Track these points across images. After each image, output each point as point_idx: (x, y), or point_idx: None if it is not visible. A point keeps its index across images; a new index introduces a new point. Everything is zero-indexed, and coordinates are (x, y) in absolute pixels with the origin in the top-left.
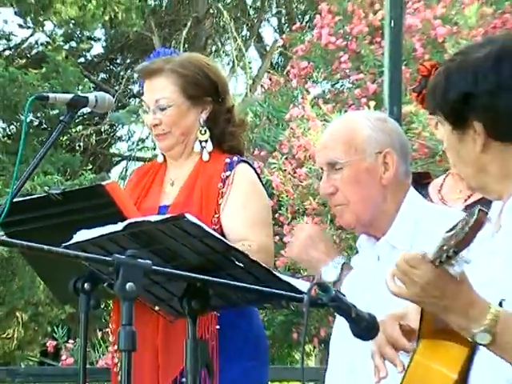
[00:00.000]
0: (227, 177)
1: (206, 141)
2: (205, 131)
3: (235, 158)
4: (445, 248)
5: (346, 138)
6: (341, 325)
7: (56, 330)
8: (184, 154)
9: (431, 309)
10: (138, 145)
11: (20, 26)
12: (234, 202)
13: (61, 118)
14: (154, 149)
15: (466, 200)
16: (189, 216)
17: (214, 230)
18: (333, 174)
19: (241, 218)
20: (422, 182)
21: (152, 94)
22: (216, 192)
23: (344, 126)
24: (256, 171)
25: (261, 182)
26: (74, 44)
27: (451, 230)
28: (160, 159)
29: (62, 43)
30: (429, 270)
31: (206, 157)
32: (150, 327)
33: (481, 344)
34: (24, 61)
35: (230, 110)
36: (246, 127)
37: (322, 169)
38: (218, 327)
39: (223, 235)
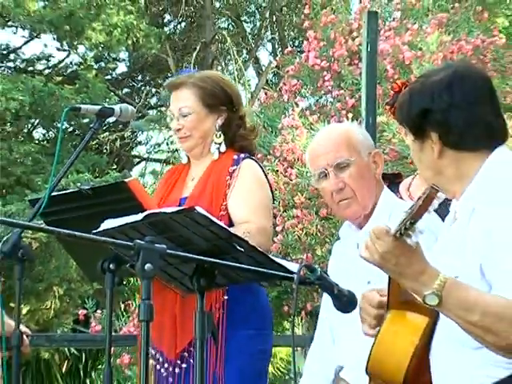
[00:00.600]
0: (233, 170)
1: (221, 143)
2: (220, 135)
3: (242, 155)
4: (403, 221)
5: (345, 141)
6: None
7: (86, 301)
8: (203, 154)
9: (391, 274)
10: (154, 148)
11: (58, 49)
12: (238, 191)
13: (91, 126)
14: (168, 152)
15: None
16: (198, 208)
17: (222, 215)
18: (340, 173)
19: (244, 203)
20: (395, 181)
21: (176, 103)
22: (224, 184)
23: (340, 133)
24: (261, 167)
25: (265, 175)
26: (102, 64)
27: (410, 207)
28: (184, 160)
29: (92, 63)
30: (389, 241)
31: (216, 156)
32: (170, 299)
33: (430, 305)
34: (60, 78)
35: (241, 118)
36: (256, 132)
37: (326, 170)
38: (226, 297)
39: (230, 219)
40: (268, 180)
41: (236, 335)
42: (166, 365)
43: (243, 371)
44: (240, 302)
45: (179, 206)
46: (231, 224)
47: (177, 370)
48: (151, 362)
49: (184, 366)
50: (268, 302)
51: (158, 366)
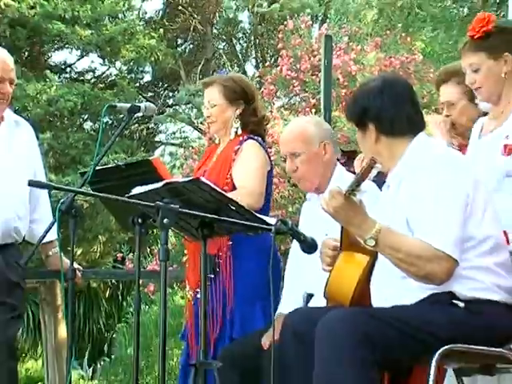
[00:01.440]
0: (238, 149)
1: (238, 127)
2: (237, 121)
3: (245, 137)
4: (351, 184)
5: (300, 136)
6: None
7: (122, 246)
8: (226, 135)
9: (342, 223)
10: (171, 135)
11: (101, 64)
12: (239, 163)
13: (123, 119)
14: (180, 138)
15: None
16: (202, 178)
17: (227, 182)
18: (294, 159)
19: (241, 172)
20: (352, 156)
21: (207, 97)
22: (230, 158)
23: (298, 129)
24: (262, 146)
25: (265, 152)
26: (132, 75)
27: (356, 174)
28: (217, 141)
29: (125, 74)
30: (339, 199)
31: (232, 136)
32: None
33: (369, 246)
34: (103, 85)
35: (255, 109)
36: (266, 120)
37: (285, 155)
38: (230, 242)
39: (234, 185)
40: (267, 155)
41: (244, 265)
42: (190, 291)
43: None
44: (243, 245)
45: (203, 175)
46: (235, 188)
47: (198, 295)
48: (188, 294)
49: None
50: (271, 243)
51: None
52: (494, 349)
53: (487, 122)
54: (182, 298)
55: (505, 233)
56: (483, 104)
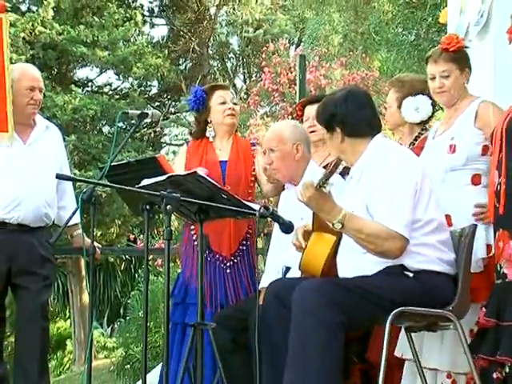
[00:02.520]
0: (254, 149)
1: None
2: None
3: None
4: (321, 178)
5: (277, 136)
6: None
7: (134, 228)
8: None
9: (314, 210)
10: (174, 137)
11: (116, 79)
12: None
13: (134, 124)
14: (182, 140)
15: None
16: (199, 171)
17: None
18: (270, 154)
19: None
20: None
21: (229, 97)
22: (251, 158)
23: (276, 129)
24: None
25: None
26: (142, 88)
27: (325, 170)
28: (211, 139)
29: (136, 87)
30: (311, 190)
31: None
32: (227, 222)
33: (336, 229)
34: (118, 96)
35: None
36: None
37: (265, 150)
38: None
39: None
40: None
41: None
42: (223, 259)
43: None
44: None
45: (221, 166)
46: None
47: (231, 262)
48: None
49: (235, 259)
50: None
51: (217, 261)
52: (436, 310)
53: (439, 126)
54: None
55: (448, 216)
56: (406, 115)
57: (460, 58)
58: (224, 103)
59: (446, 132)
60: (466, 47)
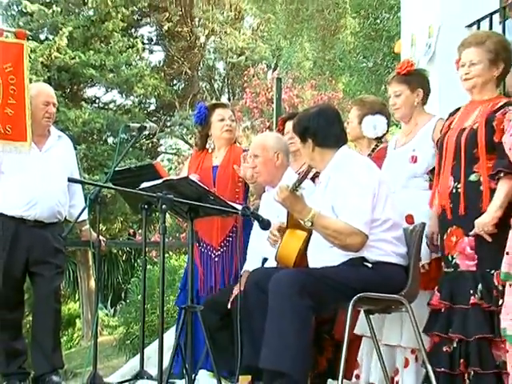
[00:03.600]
0: (242, 155)
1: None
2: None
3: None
4: (294, 182)
5: (261, 145)
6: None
7: (133, 224)
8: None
9: (288, 210)
10: (169, 147)
11: (120, 97)
12: None
13: (134, 135)
14: (174, 149)
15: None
16: (190, 177)
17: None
18: (255, 159)
19: None
20: None
21: (227, 114)
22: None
23: (261, 139)
24: None
25: None
26: (142, 105)
27: (298, 176)
28: (210, 150)
29: (137, 104)
30: (286, 193)
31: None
32: (215, 220)
33: (307, 226)
34: (121, 112)
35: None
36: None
37: (251, 156)
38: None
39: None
40: None
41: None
42: (212, 250)
43: None
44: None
45: (212, 171)
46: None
47: (218, 252)
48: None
49: (222, 250)
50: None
51: (206, 251)
52: (391, 295)
53: (400, 138)
54: (176, 260)
55: (410, 216)
56: (365, 131)
57: (411, 80)
58: (223, 120)
59: (408, 144)
60: (421, 71)
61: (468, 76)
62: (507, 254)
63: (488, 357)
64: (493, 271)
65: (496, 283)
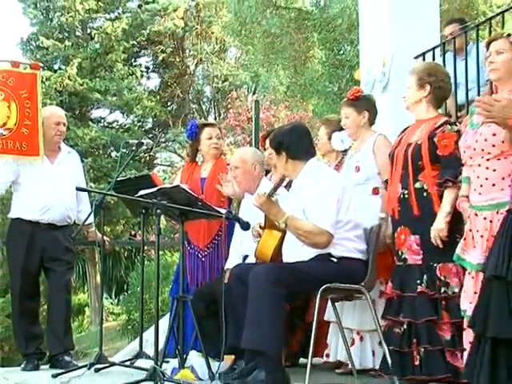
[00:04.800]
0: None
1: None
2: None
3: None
4: (270, 190)
5: (240, 158)
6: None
7: (133, 226)
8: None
9: (266, 213)
10: (163, 160)
11: (121, 117)
12: None
13: (133, 149)
14: (168, 161)
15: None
16: (181, 185)
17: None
18: (236, 170)
19: None
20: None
21: (215, 133)
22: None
23: (241, 152)
24: None
25: None
26: (140, 123)
27: (274, 184)
28: (199, 163)
29: (136, 123)
30: (263, 198)
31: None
32: (203, 223)
33: (282, 227)
34: (122, 130)
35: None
36: None
37: (232, 168)
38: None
39: None
40: None
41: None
42: (199, 250)
43: None
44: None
45: (201, 182)
46: None
47: (205, 251)
48: (187, 250)
49: (208, 249)
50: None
51: (194, 251)
52: (353, 286)
53: (351, 152)
54: (170, 257)
55: None
56: (335, 145)
57: (357, 104)
58: (211, 138)
59: (354, 157)
60: (368, 96)
61: (404, 98)
62: (464, 239)
63: (435, 336)
64: (435, 264)
65: (439, 275)
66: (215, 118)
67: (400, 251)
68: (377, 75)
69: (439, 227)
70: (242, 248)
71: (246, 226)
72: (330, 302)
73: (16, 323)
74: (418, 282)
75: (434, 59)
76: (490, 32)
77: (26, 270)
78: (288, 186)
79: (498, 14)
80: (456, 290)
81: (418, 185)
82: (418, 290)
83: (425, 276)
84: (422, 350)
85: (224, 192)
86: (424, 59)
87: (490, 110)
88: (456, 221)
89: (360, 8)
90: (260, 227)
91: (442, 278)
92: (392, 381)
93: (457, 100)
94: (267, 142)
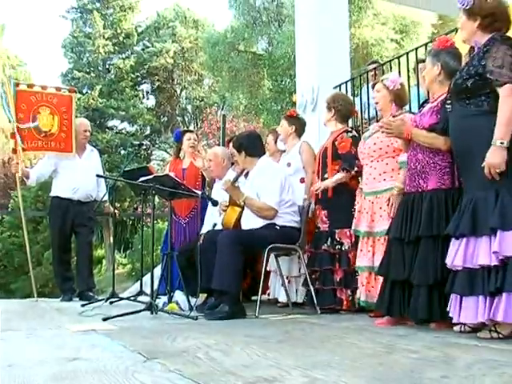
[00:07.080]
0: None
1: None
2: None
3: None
4: (234, 178)
5: (214, 153)
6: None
7: (136, 202)
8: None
9: (230, 194)
10: (157, 157)
11: (128, 126)
12: None
13: (136, 149)
14: (162, 160)
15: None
16: (169, 174)
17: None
18: (209, 163)
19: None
20: None
21: (193, 136)
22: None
23: (215, 150)
24: None
25: None
26: (141, 130)
27: (236, 174)
28: (182, 157)
29: (139, 130)
30: (228, 184)
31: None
32: (185, 201)
33: (242, 205)
34: (129, 135)
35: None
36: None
37: (207, 160)
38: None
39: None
40: None
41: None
42: (182, 219)
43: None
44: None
45: (182, 171)
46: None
47: (186, 220)
48: (173, 220)
49: (188, 219)
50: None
51: (178, 220)
52: (290, 246)
53: (284, 153)
54: (162, 224)
55: None
56: (280, 147)
57: (290, 120)
58: (189, 140)
59: (286, 156)
60: (298, 115)
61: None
62: (358, 215)
63: (329, 278)
64: (335, 230)
65: (337, 237)
66: (194, 127)
67: (317, 222)
68: (308, 99)
69: (325, 183)
70: (213, 218)
71: (215, 203)
72: (272, 256)
73: (56, 269)
74: (324, 242)
75: (346, 89)
76: (383, 72)
77: (62, 232)
78: (246, 175)
79: (386, 62)
80: (347, 248)
81: (326, 176)
82: (323, 248)
83: (329, 238)
84: (322, 288)
85: (195, 163)
86: (340, 89)
87: (390, 128)
88: (351, 199)
89: (296, 52)
90: (225, 204)
91: (338, 239)
92: (316, 310)
93: (369, 114)
94: (231, 144)
